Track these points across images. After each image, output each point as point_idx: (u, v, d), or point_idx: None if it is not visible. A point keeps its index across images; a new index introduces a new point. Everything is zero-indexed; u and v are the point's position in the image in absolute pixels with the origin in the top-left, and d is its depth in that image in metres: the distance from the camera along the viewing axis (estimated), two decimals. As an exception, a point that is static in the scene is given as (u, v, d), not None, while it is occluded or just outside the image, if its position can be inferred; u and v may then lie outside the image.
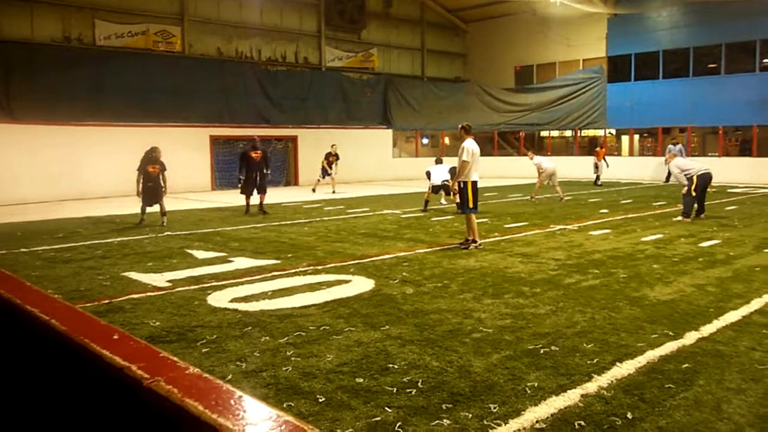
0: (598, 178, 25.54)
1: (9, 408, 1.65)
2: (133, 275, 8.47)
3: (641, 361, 4.85)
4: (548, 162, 19.82)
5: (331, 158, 22.62)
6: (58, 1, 22.68)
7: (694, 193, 13.27)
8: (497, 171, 30.77)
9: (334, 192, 22.24)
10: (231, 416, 1.00)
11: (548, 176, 19.20)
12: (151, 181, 13.64)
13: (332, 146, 22.88)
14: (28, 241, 11.56)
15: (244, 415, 1.01)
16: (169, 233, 12.52)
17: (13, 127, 20.01)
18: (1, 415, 1.68)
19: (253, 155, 15.72)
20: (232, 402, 1.04)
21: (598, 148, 26.93)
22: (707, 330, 5.63)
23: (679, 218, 13.48)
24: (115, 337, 1.34)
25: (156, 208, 13.83)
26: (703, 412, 3.94)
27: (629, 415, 3.89)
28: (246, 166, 15.69)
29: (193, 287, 7.68)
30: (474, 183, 10.35)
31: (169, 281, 8.07)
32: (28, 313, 1.52)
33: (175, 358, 1.22)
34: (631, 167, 29.28)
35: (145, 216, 13.95)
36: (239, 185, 15.93)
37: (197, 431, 0.99)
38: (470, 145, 10.30)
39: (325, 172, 22.73)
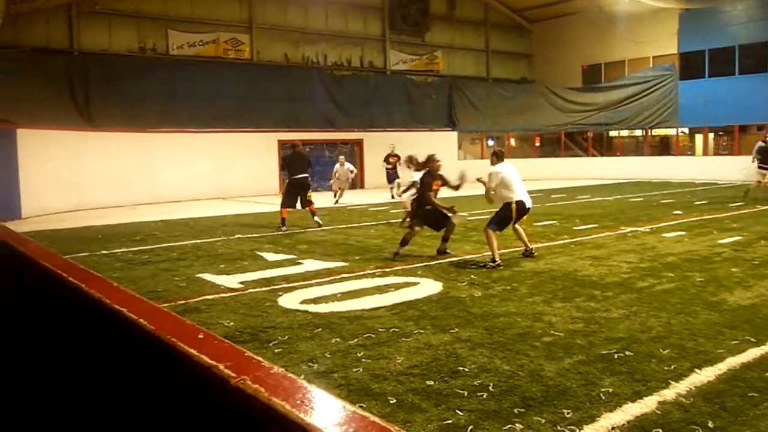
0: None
1: (103, 403, 1.71)
2: (207, 277, 8.71)
3: (721, 368, 4.66)
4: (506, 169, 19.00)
5: (392, 159, 21.96)
6: (134, 13, 23.63)
7: None
8: (565, 172, 30.26)
9: (400, 195, 21.92)
10: (317, 416, 1.00)
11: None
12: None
13: (390, 146, 22.43)
14: (108, 244, 12.04)
15: (330, 415, 1.01)
16: (239, 236, 12.80)
17: (92, 134, 20.87)
18: (98, 410, 1.75)
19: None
20: (317, 402, 1.05)
21: None
22: (793, 336, 5.38)
23: None
24: (200, 336, 1.37)
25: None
26: (790, 422, 3.77)
27: (710, 424, 3.74)
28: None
29: (264, 289, 7.83)
30: (519, 203, 9.29)
31: (241, 282, 8.25)
32: (117, 312, 1.57)
33: (260, 358, 1.24)
34: (705, 167, 28.23)
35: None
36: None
37: (285, 430, 1.00)
38: (500, 169, 9.44)
39: (393, 176, 21.63)
